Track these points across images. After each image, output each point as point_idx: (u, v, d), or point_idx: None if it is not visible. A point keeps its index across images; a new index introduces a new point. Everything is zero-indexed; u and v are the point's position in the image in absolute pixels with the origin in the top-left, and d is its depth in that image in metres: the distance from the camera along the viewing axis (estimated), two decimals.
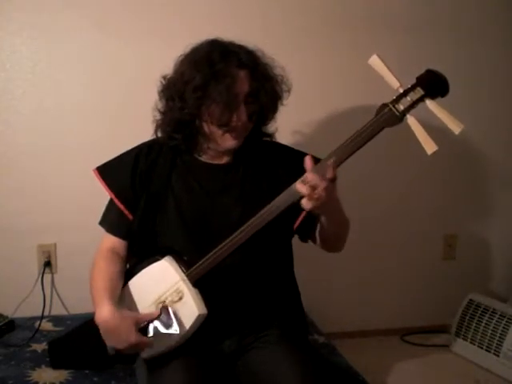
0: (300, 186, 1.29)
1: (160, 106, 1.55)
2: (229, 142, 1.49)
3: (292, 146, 1.67)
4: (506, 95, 2.60)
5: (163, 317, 1.42)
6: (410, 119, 1.28)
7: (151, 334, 1.43)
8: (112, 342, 1.43)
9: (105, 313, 1.40)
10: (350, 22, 2.35)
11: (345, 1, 2.35)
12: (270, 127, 1.61)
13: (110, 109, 2.20)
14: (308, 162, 1.31)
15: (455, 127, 1.25)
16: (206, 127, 1.49)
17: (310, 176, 1.28)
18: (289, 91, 1.56)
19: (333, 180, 1.31)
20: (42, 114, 2.17)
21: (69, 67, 2.16)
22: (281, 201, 1.35)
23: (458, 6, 2.46)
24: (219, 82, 1.41)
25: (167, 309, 1.42)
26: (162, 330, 1.42)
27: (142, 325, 1.41)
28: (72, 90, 2.18)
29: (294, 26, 2.31)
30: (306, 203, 1.29)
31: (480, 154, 2.61)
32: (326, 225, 1.47)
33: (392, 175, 2.53)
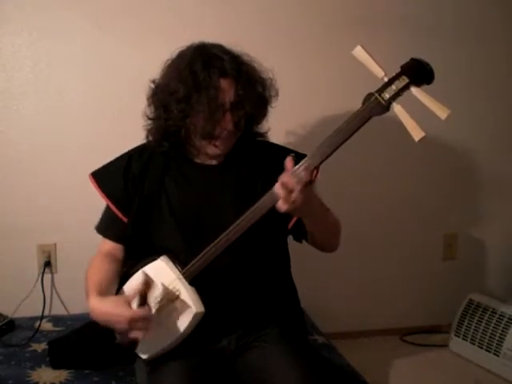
0: (278, 188, 1.29)
1: (148, 111, 1.55)
2: (214, 150, 1.50)
3: (286, 146, 1.67)
4: (506, 95, 2.60)
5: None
6: (397, 107, 1.29)
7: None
8: (112, 326, 1.40)
9: (92, 303, 1.41)
10: (349, 22, 2.35)
11: (345, 1, 2.36)
12: (262, 127, 1.61)
13: (111, 109, 2.20)
14: (288, 163, 1.30)
15: (441, 113, 1.25)
16: (192, 137, 1.50)
17: (285, 179, 1.28)
18: (277, 95, 1.55)
19: (309, 183, 1.30)
20: (42, 113, 2.18)
21: (69, 67, 2.17)
22: (263, 202, 1.35)
23: (458, 6, 2.46)
24: (202, 93, 1.42)
25: (149, 278, 1.41)
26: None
27: (134, 302, 1.39)
28: (72, 89, 2.18)
29: (293, 26, 2.31)
30: (281, 205, 1.29)
31: (480, 153, 2.61)
32: (308, 226, 1.48)
33: (391, 175, 2.53)
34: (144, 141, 1.62)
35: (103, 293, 1.44)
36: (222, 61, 1.46)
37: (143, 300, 1.41)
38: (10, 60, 2.13)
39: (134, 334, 1.38)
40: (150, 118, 1.56)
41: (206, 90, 1.42)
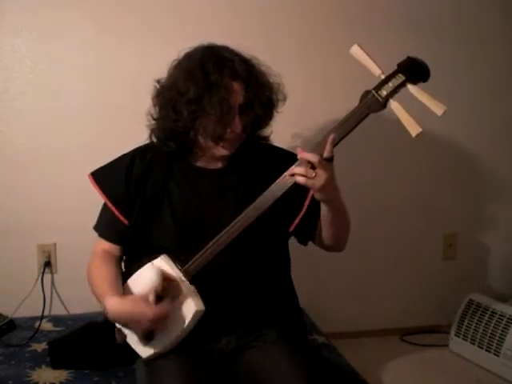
0: (296, 168, 1.32)
1: (153, 111, 1.54)
2: (222, 151, 1.50)
3: (288, 149, 1.66)
4: (506, 95, 2.60)
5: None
6: (393, 104, 1.31)
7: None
8: (136, 328, 1.41)
9: (113, 305, 1.40)
10: (349, 22, 2.35)
11: (345, 1, 2.36)
12: (265, 130, 1.60)
13: (111, 108, 2.20)
14: (299, 149, 1.34)
15: (437, 109, 1.28)
16: (200, 138, 1.50)
17: (303, 155, 1.31)
18: (284, 99, 1.55)
19: (330, 159, 1.32)
20: (42, 113, 2.18)
21: (69, 67, 2.16)
22: (264, 198, 1.37)
23: (458, 6, 2.46)
24: (213, 94, 1.41)
25: (166, 275, 1.41)
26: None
27: (151, 299, 1.38)
28: (72, 89, 2.18)
29: (293, 26, 2.32)
30: (302, 180, 1.31)
31: (479, 153, 2.61)
32: (327, 215, 1.46)
33: (392, 175, 2.53)
34: (145, 141, 1.60)
35: (118, 291, 1.45)
36: (233, 62, 1.45)
37: (158, 296, 1.39)
38: (10, 60, 2.13)
39: (156, 330, 1.39)
40: (154, 119, 1.54)
41: (218, 90, 1.41)
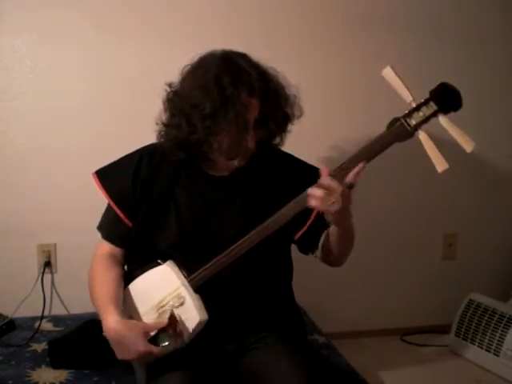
0: (314, 190, 1.29)
1: (164, 117, 1.48)
2: (232, 163, 1.48)
3: (297, 156, 1.64)
4: (506, 95, 2.60)
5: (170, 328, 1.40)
6: (422, 135, 1.26)
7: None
8: (121, 353, 1.39)
9: (112, 323, 1.38)
10: (350, 22, 2.35)
11: (345, 2, 2.36)
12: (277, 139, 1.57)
13: (111, 109, 2.20)
14: (324, 168, 1.31)
15: (467, 145, 1.24)
16: (212, 152, 1.46)
17: (326, 181, 1.28)
18: (301, 114, 1.51)
19: (351, 186, 1.30)
20: (43, 113, 2.17)
21: (69, 67, 2.16)
22: (290, 208, 1.35)
23: (458, 6, 2.46)
24: (229, 110, 1.37)
25: (175, 318, 1.40)
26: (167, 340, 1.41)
27: (151, 334, 1.39)
28: (72, 89, 2.18)
29: (293, 26, 2.32)
30: (315, 204, 1.28)
31: (479, 153, 2.61)
32: (335, 235, 1.45)
33: (392, 175, 2.53)
34: (148, 139, 1.56)
35: (119, 306, 1.42)
36: (250, 76, 1.40)
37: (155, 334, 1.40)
38: (10, 60, 2.13)
39: (134, 360, 1.40)
40: (165, 125, 1.48)
41: (234, 107, 1.37)
